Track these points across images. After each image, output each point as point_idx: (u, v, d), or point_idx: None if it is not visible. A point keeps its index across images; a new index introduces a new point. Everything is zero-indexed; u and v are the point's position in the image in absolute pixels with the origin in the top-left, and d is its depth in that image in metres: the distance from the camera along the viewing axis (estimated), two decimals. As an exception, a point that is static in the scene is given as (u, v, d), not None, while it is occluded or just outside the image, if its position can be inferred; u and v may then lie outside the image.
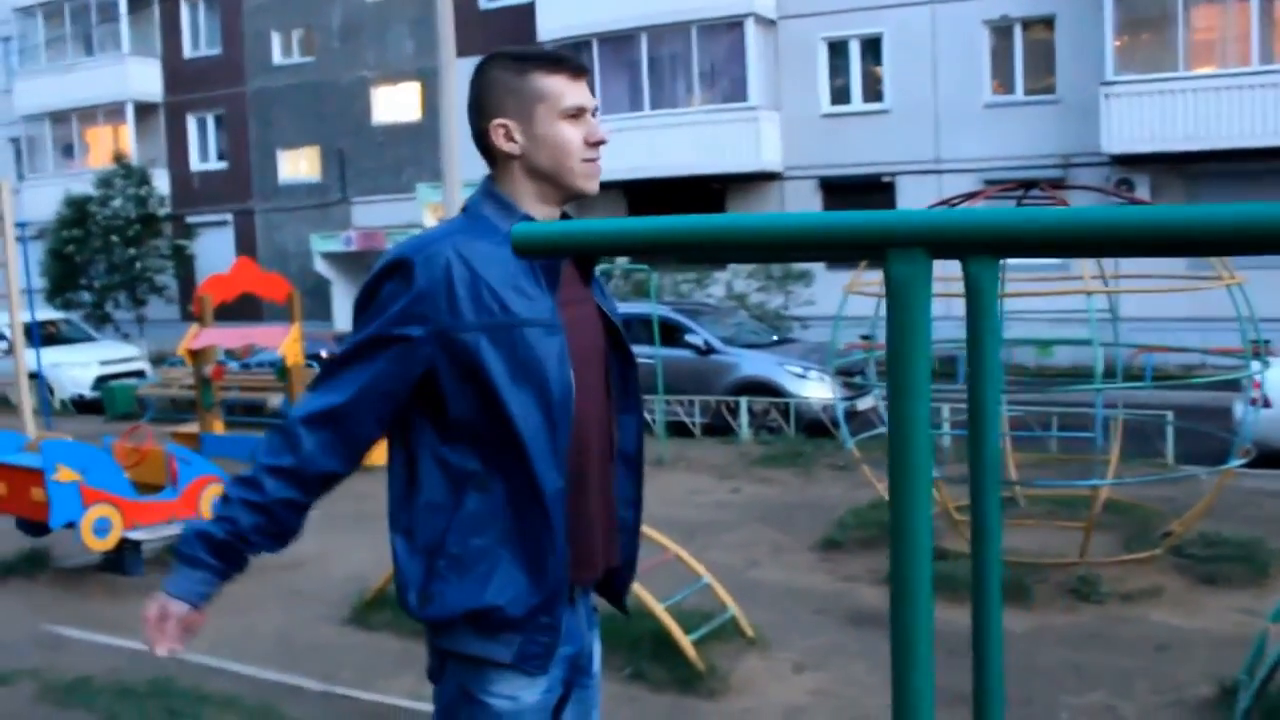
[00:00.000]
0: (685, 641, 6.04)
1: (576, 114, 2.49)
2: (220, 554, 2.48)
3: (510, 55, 2.51)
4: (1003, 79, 24.68)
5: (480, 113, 2.52)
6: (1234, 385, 11.60)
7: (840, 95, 26.18)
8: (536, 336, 2.40)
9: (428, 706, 2.70)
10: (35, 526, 8.44)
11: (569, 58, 2.55)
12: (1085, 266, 8.41)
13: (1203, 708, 5.46)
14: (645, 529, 6.60)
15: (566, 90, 2.48)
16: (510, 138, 2.49)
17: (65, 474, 7.96)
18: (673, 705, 5.74)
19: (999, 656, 2.17)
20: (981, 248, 1.79)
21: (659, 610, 6.10)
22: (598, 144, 2.52)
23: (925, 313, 1.66)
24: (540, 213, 2.53)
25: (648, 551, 6.76)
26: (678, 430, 14.52)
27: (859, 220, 1.80)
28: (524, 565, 2.41)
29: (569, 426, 2.42)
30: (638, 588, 6.12)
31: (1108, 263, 9.93)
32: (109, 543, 8.11)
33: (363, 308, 2.48)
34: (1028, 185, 8.68)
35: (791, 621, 6.98)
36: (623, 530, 2.69)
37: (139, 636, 7.03)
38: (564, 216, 2.58)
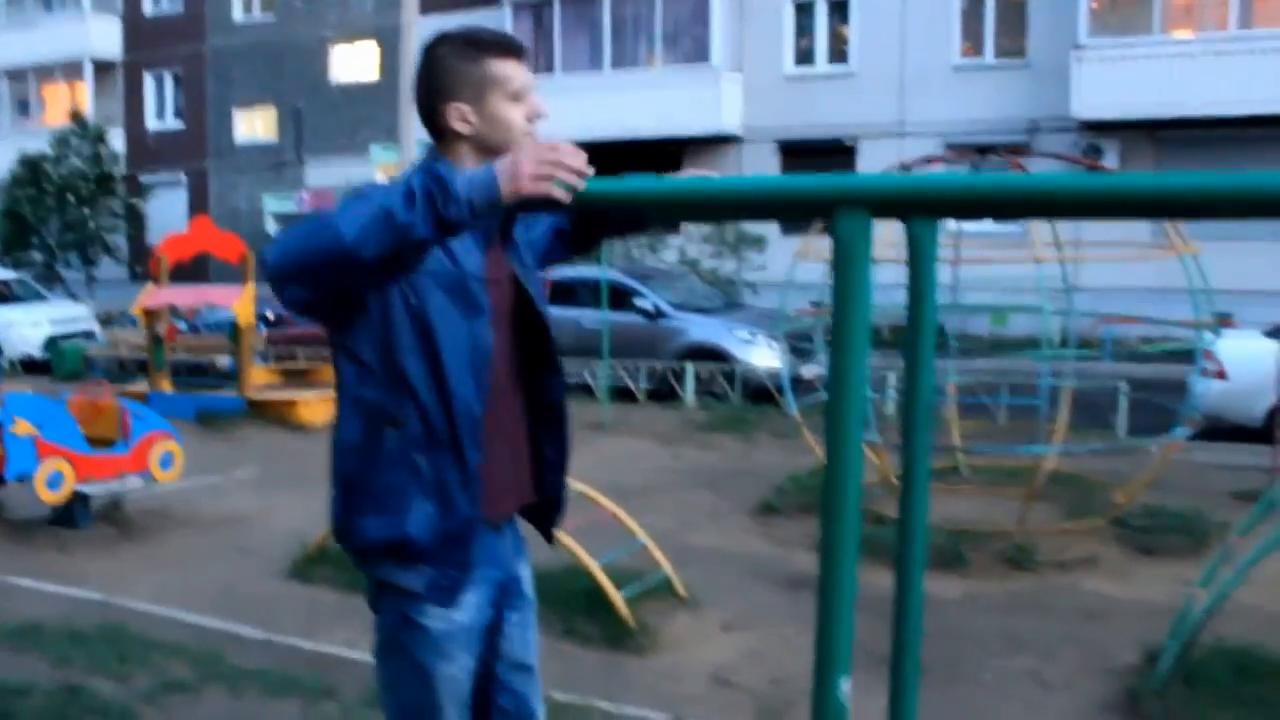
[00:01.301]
0: (618, 598, 6.13)
1: (522, 95, 2.64)
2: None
3: (464, 40, 2.64)
4: (972, 41, 24.57)
5: (433, 93, 2.64)
6: (1190, 357, 11.62)
7: (805, 57, 26.03)
8: (472, 288, 2.59)
9: (364, 656, 2.90)
10: (-13, 478, 8.65)
11: (516, 41, 2.69)
12: (1037, 235, 8.35)
13: (1126, 673, 5.49)
14: (585, 489, 6.67)
15: (515, 74, 2.63)
16: (464, 119, 2.62)
17: (23, 427, 8.11)
18: (602, 660, 5.82)
19: (918, 615, 2.12)
20: (922, 209, 1.82)
21: (593, 567, 6.19)
22: (535, 119, 2.66)
23: (866, 269, 1.74)
24: None
25: (585, 511, 6.79)
26: (622, 395, 14.44)
27: (809, 183, 1.87)
28: (434, 500, 2.58)
29: (487, 373, 2.61)
30: (573, 545, 6.16)
31: (1066, 232, 9.89)
32: (61, 496, 8.25)
33: None
34: (985, 150, 8.69)
35: (724, 584, 6.98)
36: (549, 468, 2.86)
37: (87, 586, 6.96)
38: None
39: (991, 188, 1.77)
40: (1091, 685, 5.47)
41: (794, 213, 2.00)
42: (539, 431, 2.83)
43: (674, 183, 2.09)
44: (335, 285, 2.42)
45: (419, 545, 2.59)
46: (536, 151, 2.20)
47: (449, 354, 2.56)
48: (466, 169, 2.48)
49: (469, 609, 2.70)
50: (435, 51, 2.64)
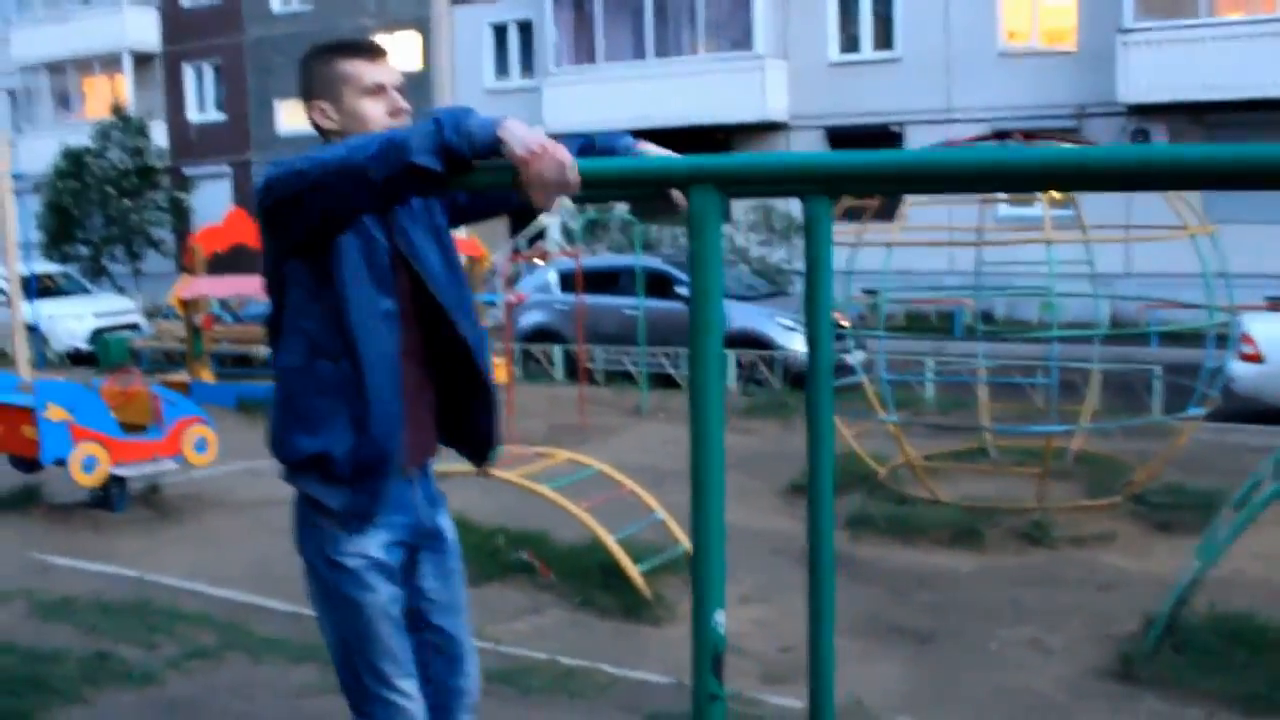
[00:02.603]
0: (633, 570, 6.25)
1: (377, 90, 2.93)
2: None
3: (321, 48, 3.00)
4: (1018, 27, 24.29)
5: (303, 95, 2.99)
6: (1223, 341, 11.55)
7: (850, 43, 25.83)
8: (380, 257, 2.89)
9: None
10: (27, 463, 8.87)
11: (365, 42, 3.02)
12: (1046, 216, 8.30)
13: (1126, 640, 5.59)
14: (604, 468, 6.71)
15: (367, 71, 2.92)
16: (327, 116, 2.95)
17: (56, 412, 8.38)
18: (617, 630, 5.97)
19: (830, 559, 2.32)
20: (769, 186, 2.24)
21: (609, 541, 6.32)
22: (397, 113, 2.94)
23: (717, 239, 2.05)
24: None
25: (605, 489, 6.83)
26: (665, 382, 14.43)
27: (665, 163, 2.25)
28: (354, 430, 2.87)
29: (397, 332, 2.91)
30: (589, 520, 6.21)
31: (1117, 216, 9.78)
32: (96, 479, 8.49)
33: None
34: (1001, 135, 8.82)
35: (745, 559, 6.97)
36: (474, 411, 3.15)
37: (120, 563, 7.13)
38: None
39: (841, 165, 2.12)
40: (1090, 652, 5.60)
41: (652, 188, 2.40)
42: (456, 380, 3.10)
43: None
44: (334, 205, 2.66)
45: (337, 465, 2.87)
46: (560, 171, 2.29)
47: (368, 309, 2.86)
48: None
49: (380, 547, 2.97)
50: (304, 59, 3.00)
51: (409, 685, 3.01)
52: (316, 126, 3.00)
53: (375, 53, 2.99)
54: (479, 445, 3.22)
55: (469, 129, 2.37)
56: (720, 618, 2.01)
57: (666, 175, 2.25)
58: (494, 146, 2.36)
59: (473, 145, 2.36)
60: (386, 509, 2.97)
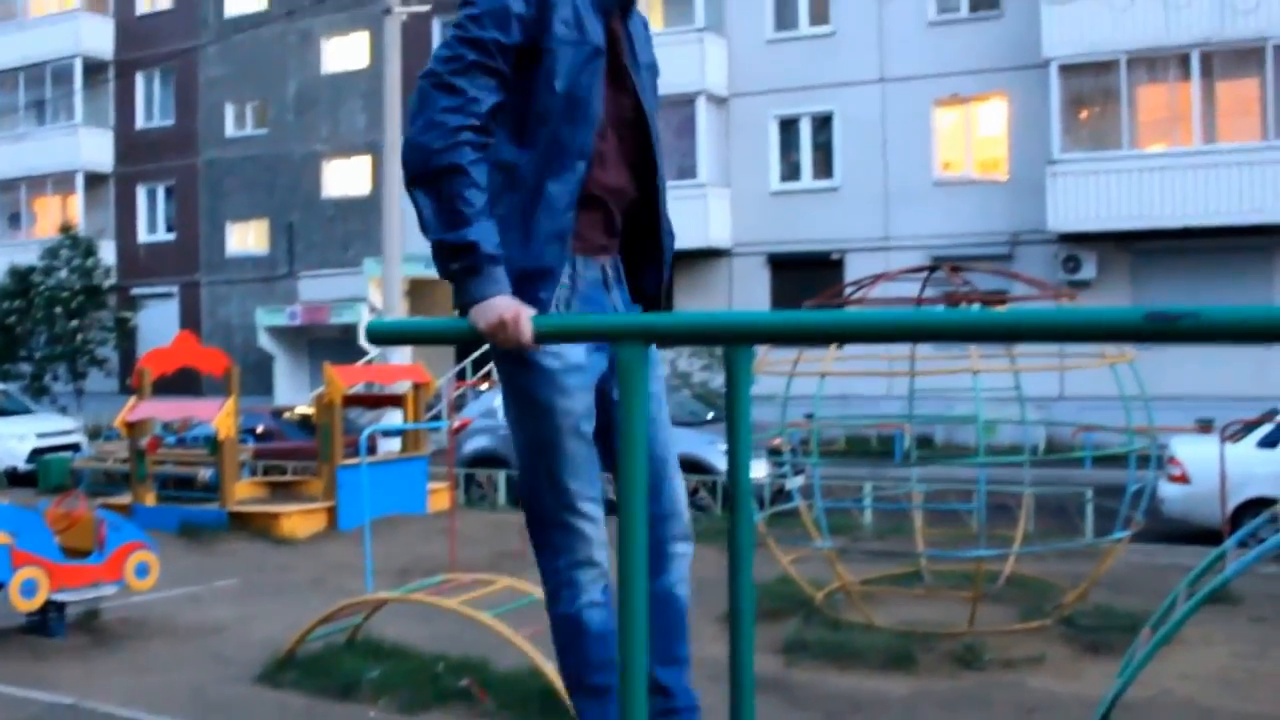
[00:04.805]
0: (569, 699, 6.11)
1: None
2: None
3: None
4: (953, 158, 25.09)
5: None
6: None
7: (791, 172, 26.49)
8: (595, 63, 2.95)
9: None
10: (-37, 586, 8.76)
11: None
12: (971, 347, 8.54)
13: None
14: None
15: None
16: None
17: None
18: None
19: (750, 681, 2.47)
20: (679, 340, 2.91)
21: (548, 669, 6.24)
22: None
23: (646, 388, 2.38)
24: None
25: (542, 616, 6.88)
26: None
27: (596, 321, 2.75)
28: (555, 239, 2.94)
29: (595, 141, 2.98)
30: (529, 649, 6.25)
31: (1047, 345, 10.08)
32: (35, 603, 8.34)
33: None
34: (933, 268, 9.11)
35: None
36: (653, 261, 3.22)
37: (58, 690, 7.04)
38: None
39: (756, 323, 2.61)
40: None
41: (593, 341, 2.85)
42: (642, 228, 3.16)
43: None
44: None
45: (546, 267, 2.87)
46: (514, 342, 2.67)
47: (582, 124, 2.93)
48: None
49: (579, 349, 2.95)
50: None
51: (593, 509, 3.00)
52: None
53: None
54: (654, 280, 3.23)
55: (465, 284, 2.75)
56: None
57: (601, 331, 2.63)
58: (465, 312, 2.75)
59: (456, 292, 2.77)
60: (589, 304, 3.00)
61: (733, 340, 2.49)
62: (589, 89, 2.91)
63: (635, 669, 2.30)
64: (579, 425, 2.95)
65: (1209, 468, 10.91)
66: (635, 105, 3.05)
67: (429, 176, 2.78)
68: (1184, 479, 11.67)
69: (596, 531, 2.99)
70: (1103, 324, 1.92)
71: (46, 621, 8.60)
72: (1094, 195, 22.37)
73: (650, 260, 3.19)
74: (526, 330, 2.63)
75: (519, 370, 2.94)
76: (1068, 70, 22.82)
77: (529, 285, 2.82)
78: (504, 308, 2.67)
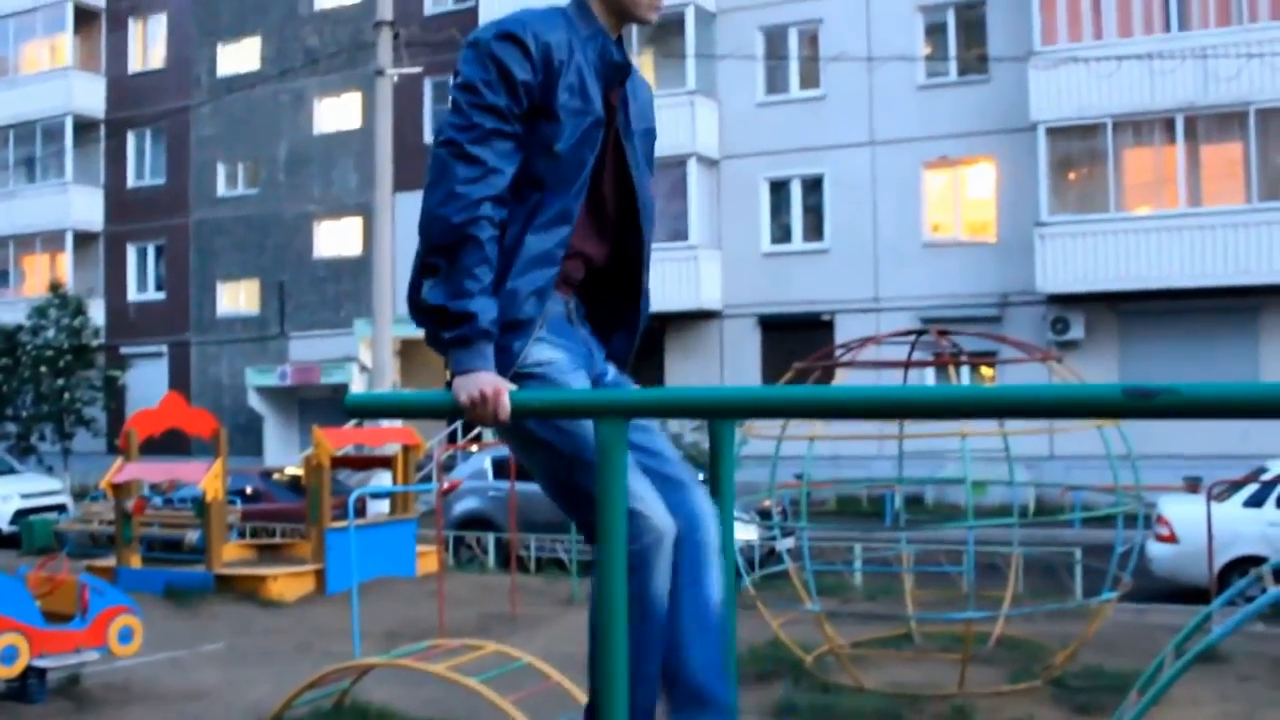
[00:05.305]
0: None
1: None
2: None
3: None
4: (942, 220, 25.24)
5: None
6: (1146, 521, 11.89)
7: (782, 234, 26.61)
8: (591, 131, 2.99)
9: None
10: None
11: None
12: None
13: None
14: (532, 659, 6.73)
15: None
16: None
17: None
18: None
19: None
20: (655, 414, 2.74)
21: None
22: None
23: (624, 463, 2.38)
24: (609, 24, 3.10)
25: (533, 681, 6.86)
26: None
27: (579, 396, 2.71)
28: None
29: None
30: (518, 716, 6.20)
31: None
32: (15, 670, 8.27)
33: None
34: (921, 331, 9.22)
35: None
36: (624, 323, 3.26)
37: None
38: (619, 40, 3.12)
39: (732, 398, 2.59)
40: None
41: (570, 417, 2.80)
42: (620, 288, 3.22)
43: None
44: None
45: (524, 319, 2.89)
46: (491, 417, 2.71)
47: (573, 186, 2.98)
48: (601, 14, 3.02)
49: (569, 364, 2.95)
50: None
51: (644, 489, 2.84)
52: None
53: None
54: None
55: (452, 354, 2.79)
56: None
57: (579, 407, 2.63)
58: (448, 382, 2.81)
59: (447, 360, 2.81)
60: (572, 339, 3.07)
61: (714, 415, 2.51)
62: (585, 158, 2.96)
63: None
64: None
65: (1196, 527, 10.93)
66: (625, 175, 3.10)
67: (445, 249, 2.82)
68: (1172, 538, 11.71)
69: (657, 508, 2.85)
70: (1081, 400, 1.94)
71: (26, 688, 8.51)
72: (1082, 257, 22.56)
73: (624, 325, 3.23)
74: (505, 407, 2.69)
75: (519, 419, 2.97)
76: (1055, 133, 23.07)
77: (503, 334, 2.86)
78: (485, 383, 2.72)
